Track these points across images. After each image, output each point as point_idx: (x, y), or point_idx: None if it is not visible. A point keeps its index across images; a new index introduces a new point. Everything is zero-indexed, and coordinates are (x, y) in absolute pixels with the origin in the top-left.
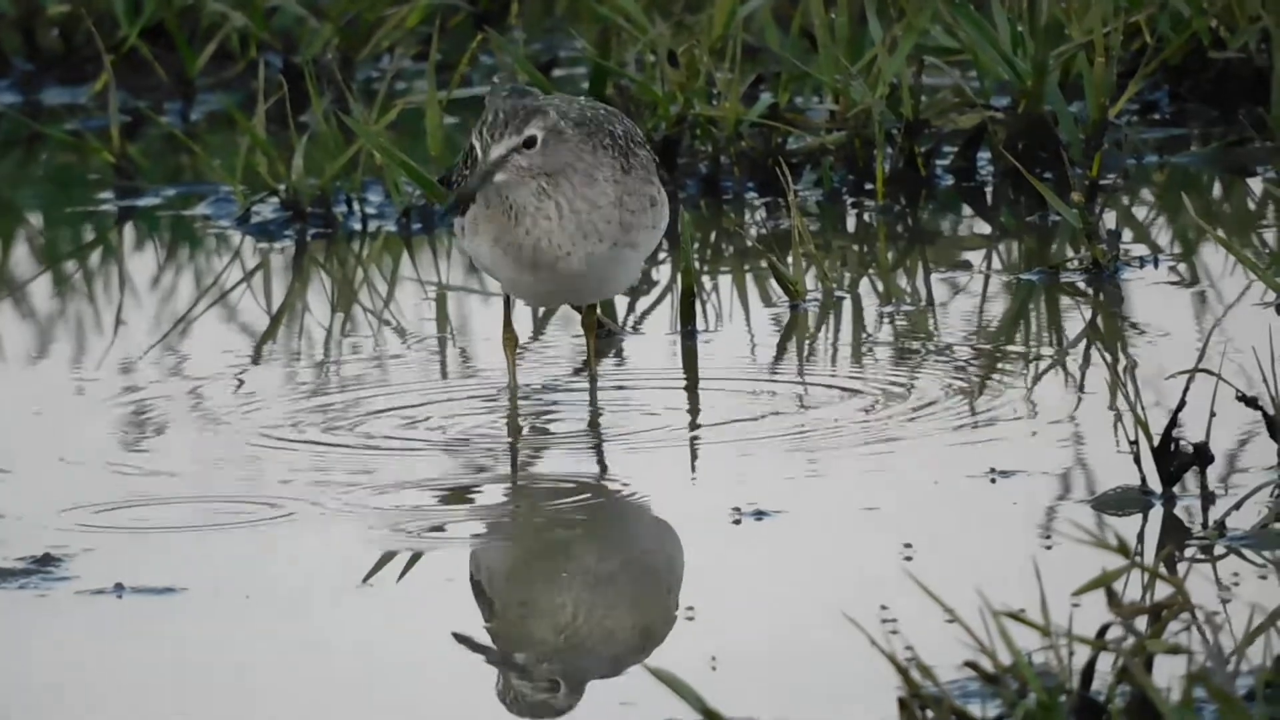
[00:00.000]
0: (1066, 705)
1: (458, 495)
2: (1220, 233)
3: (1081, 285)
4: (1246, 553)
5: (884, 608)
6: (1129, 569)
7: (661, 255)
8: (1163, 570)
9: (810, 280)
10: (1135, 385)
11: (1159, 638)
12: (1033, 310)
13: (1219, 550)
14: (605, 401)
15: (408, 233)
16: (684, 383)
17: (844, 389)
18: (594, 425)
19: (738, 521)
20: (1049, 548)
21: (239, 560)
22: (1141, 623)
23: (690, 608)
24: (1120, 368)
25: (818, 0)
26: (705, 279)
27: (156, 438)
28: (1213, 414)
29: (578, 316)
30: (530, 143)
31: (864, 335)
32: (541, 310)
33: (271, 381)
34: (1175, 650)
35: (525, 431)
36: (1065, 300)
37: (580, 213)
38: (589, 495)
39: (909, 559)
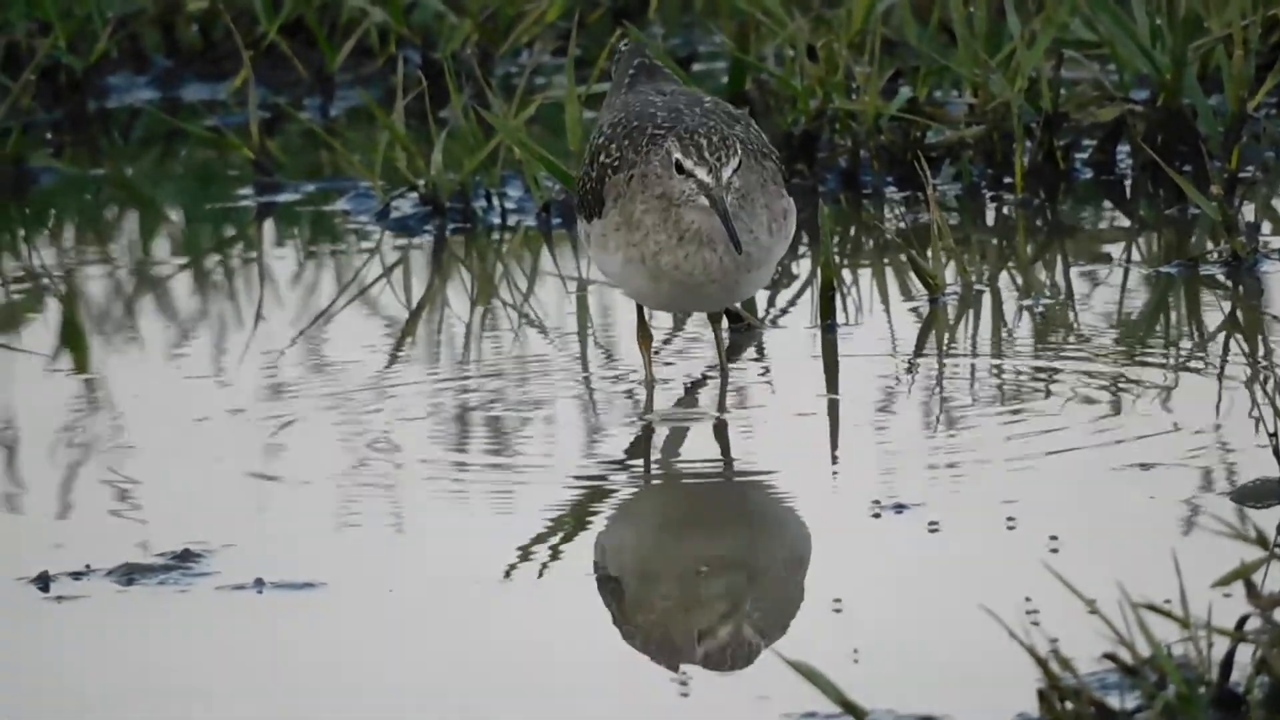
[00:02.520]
0: (1205, 697)
1: (595, 488)
2: None
3: (1220, 278)
4: None
5: (1028, 599)
6: (1268, 560)
7: (801, 249)
8: None
9: (949, 274)
10: (1274, 377)
11: None
12: (1172, 303)
13: None
14: (743, 394)
15: (547, 228)
16: (823, 376)
17: (983, 382)
18: (726, 418)
19: (878, 515)
20: (1188, 539)
21: (379, 554)
22: None
23: (837, 600)
24: (1259, 360)
25: None
26: (845, 273)
27: (297, 432)
28: None
29: None
30: (739, 165)
31: (1003, 329)
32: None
33: (411, 376)
34: None
35: (661, 424)
36: (1204, 293)
37: (743, 244)
38: (727, 488)
39: (1054, 551)
